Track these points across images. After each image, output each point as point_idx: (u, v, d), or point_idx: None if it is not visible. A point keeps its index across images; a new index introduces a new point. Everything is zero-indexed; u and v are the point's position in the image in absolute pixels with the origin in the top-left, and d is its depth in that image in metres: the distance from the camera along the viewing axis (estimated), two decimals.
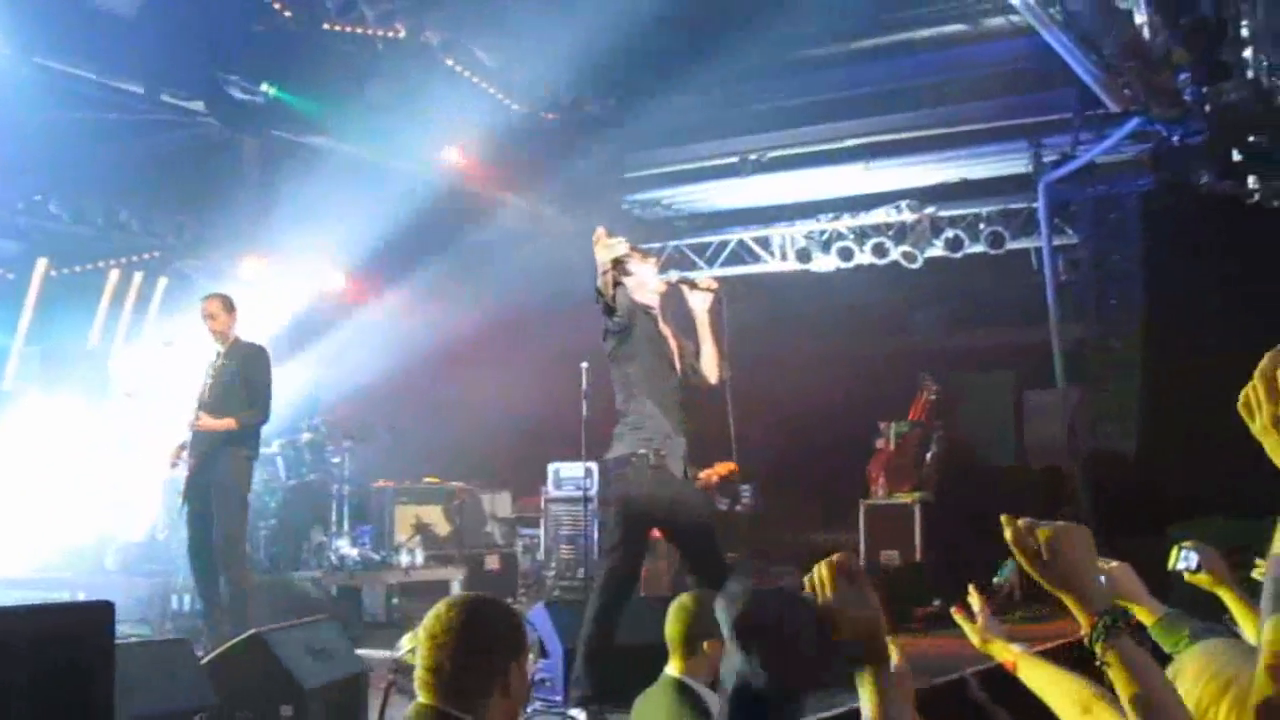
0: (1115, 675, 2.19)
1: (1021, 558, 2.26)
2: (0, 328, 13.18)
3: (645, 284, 7.71)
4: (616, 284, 7.48)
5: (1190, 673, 2.38)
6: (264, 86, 12.84)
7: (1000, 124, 14.14)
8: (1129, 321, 14.25)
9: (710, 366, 7.76)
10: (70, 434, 13.18)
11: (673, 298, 7.93)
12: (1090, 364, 14.41)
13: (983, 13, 13.15)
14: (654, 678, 5.70)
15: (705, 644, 5.59)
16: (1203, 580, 3.65)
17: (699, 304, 7.76)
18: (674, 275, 8.08)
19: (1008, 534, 2.28)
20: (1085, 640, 2.22)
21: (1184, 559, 3.69)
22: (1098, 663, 2.22)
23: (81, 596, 11.09)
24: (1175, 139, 12.84)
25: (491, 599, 3.77)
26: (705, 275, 14.26)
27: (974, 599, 3.47)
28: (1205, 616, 3.34)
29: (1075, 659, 2.43)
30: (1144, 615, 3.32)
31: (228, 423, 9.50)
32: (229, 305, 9.75)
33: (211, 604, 9.35)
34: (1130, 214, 14.41)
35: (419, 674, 3.46)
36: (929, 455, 14.10)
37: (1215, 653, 2.57)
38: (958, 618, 3.47)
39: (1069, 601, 2.26)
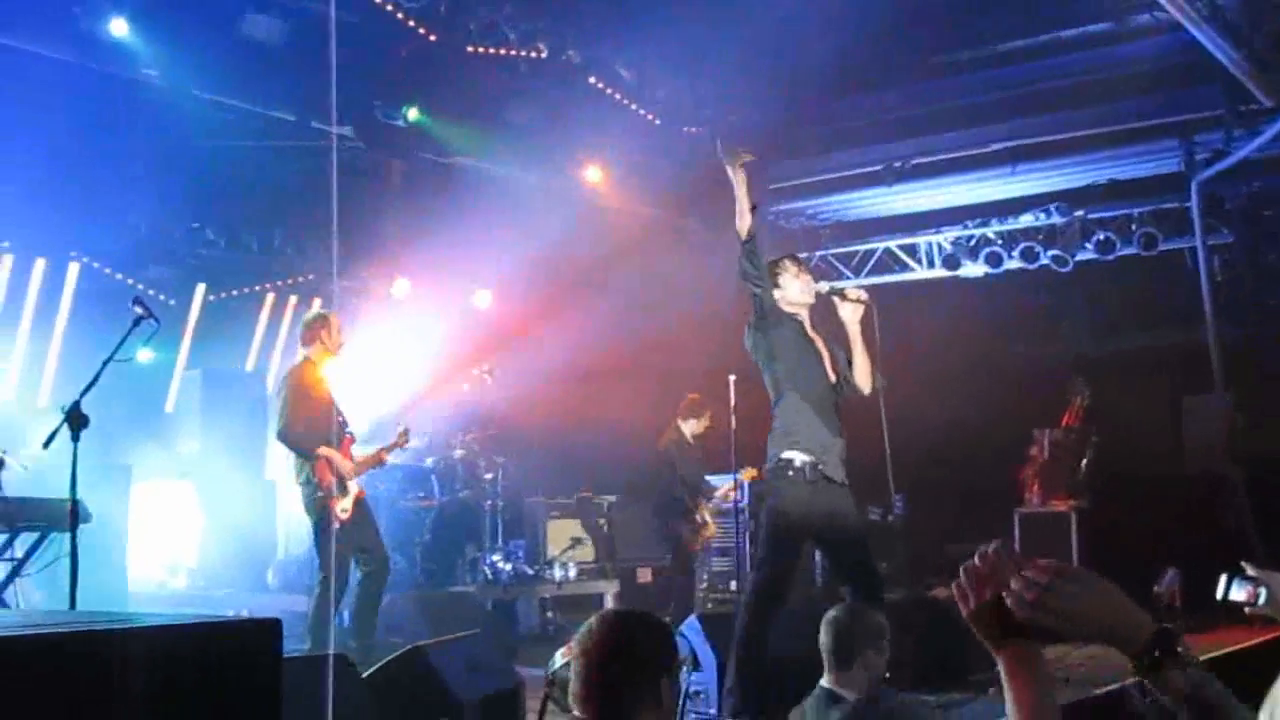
0: (1176, 709, 2.09)
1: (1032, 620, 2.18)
2: (161, 352, 13.53)
3: (790, 297, 7.70)
4: (754, 208, 7.54)
5: None
6: (404, 110, 13.05)
7: (1150, 123, 13.86)
8: None
9: (863, 377, 7.70)
10: (229, 455, 13.50)
11: (824, 308, 7.90)
12: (1249, 365, 14.05)
13: (1128, 10, 12.93)
14: (808, 690, 5.69)
15: (860, 657, 5.57)
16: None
17: (849, 315, 7.70)
18: (824, 286, 8.01)
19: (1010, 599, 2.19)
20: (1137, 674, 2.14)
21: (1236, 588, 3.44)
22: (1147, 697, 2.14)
23: (244, 613, 11.35)
24: None
25: (642, 613, 3.80)
26: (853, 284, 14.19)
27: None
28: None
29: (1235, 670, 2.34)
30: None
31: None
32: None
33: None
34: None
35: (573, 688, 3.50)
36: (1084, 462, 13.86)
37: None
38: None
39: (1111, 646, 2.18)
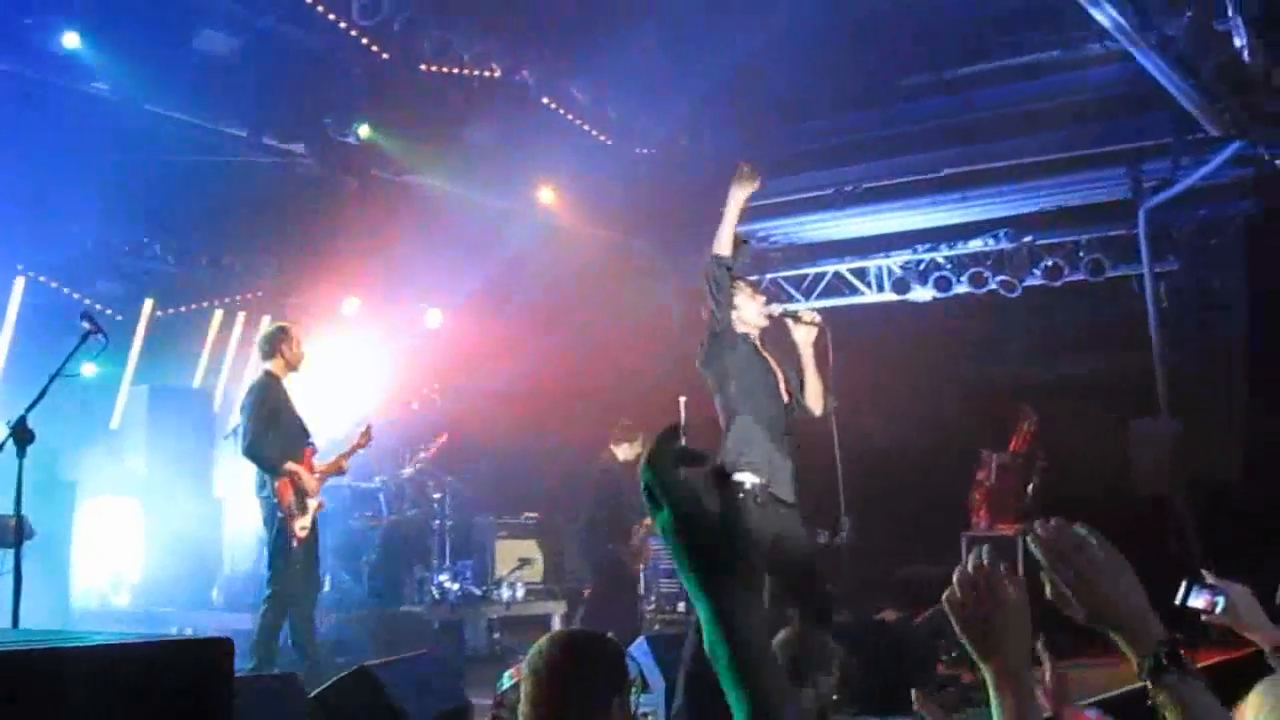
0: (1169, 716, 2.12)
1: (1058, 593, 2.23)
2: (108, 368, 13.39)
3: (745, 318, 7.73)
4: (741, 242, 7.57)
5: (1252, 705, 2.26)
6: (356, 127, 13.01)
7: (1098, 151, 13.98)
8: (1232, 348, 14.02)
9: (814, 399, 7.74)
10: (175, 472, 13.40)
11: (776, 330, 7.93)
12: (1195, 391, 14.16)
13: (1078, 39, 13.03)
14: None
15: (810, 679, 5.57)
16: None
17: (802, 337, 7.75)
18: (777, 308, 8.04)
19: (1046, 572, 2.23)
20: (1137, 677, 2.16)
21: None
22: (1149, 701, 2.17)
23: (188, 631, 11.27)
24: (1278, 163, 12.65)
25: (593, 634, 3.81)
26: (804, 307, 14.23)
27: (1043, 656, 3.35)
28: None
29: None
30: (1260, 641, 3.26)
31: None
32: None
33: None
34: (1232, 239, 14.21)
35: (523, 709, 3.49)
36: (1031, 487, 13.94)
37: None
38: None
39: (1118, 639, 2.21)
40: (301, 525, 9.18)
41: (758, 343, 7.80)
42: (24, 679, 2.52)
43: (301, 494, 9.19)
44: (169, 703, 2.73)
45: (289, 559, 9.22)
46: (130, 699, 2.66)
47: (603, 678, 3.53)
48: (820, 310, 9.36)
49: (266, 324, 14.13)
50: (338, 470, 9.96)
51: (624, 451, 12.40)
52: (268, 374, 9.50)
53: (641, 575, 14.08)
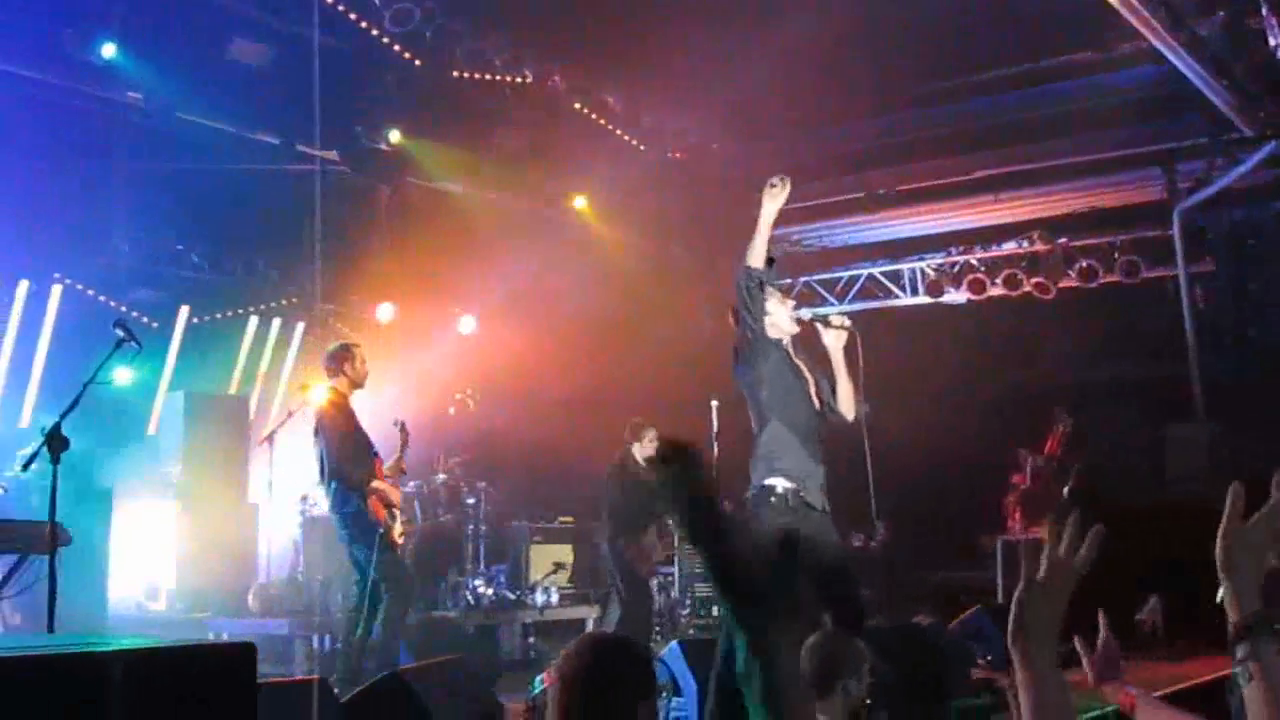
0: (1252, 679, 2.22)
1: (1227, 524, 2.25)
2: (144, 374, 13.46)
3: (777, 323, 7.70)
4: (770, 262, 7.52)
5: None
6: (388, 133, 13.05)
7: (1132, 151, 13.92)
8: (1269, 350, 13.91)
9: (847, 404, 7.70)
10: (211, 478, 13.45)
11: (807, 336, 7.89)
12: (1233, 393, 14.05)
13: (1112, 40, 12.97)
14: None
15: (840, 684, 5.56)
16: None
17: (833, 342, 7.70)
18: (807, 313, 8.00)
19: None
20: (1229, 637, 2.23)
21: None
22: (1235, 665, 2.23)
23: (224, 637, 11.31)
24: None
25: (622, 639, 3.81)
26: (836, 310, 14.20)
27: (1101, 624, 3.34)
28: None
29: (1209, 700, 2.41)
30: None
31: None
32: None
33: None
34: (1268, 240, 14.10)
35: (551, 713, 3.50)
36: (1066, 490, 13.89)
37: None
38: (1078, 646, 3.35)
39: (1228, 591, 2.26)
40: (400, 532, 9.41)
41: (790, 349, 7.76)
42: (45, 683, 2.54)
43: (390, 507, 9.30)
44: (194, 706, 2.75)
45: (395, 559, 9.37)
46: (155, 703, 2.68)
47: (628, 683, 3.52)
48: (853, 313, 9.32)
49: (300, 331, 14.24)
50: (401, 473, 10.08)
51: (638, 450, 12.32)
52: (334, 392, 9.55)
53: (667, 577, 14.07)
